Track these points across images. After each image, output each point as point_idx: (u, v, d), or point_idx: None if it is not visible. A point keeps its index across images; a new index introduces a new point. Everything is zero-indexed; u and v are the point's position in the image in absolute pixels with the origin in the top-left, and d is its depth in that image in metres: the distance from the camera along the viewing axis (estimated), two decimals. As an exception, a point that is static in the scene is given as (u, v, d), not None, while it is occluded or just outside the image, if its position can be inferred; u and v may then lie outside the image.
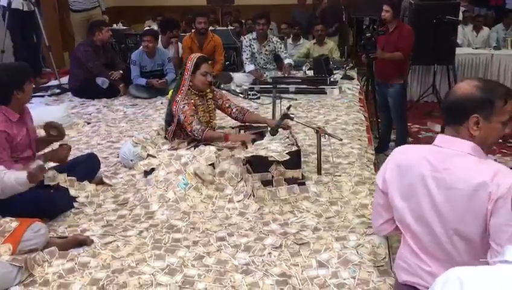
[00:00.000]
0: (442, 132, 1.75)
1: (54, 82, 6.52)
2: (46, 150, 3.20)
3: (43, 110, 4.40)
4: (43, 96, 5.75)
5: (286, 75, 6.09)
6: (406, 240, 1.78)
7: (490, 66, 7.60)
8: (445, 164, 1.62)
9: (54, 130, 3.09)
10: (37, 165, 2.55)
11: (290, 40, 7.87)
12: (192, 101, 3.39)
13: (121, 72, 5.85)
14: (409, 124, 5.68)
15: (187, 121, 3.30)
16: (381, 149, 5.52)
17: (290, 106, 3.45)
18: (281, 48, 6.45)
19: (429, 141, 5.97)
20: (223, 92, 3.81)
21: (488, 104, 1.59)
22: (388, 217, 1.91)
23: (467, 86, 1.63)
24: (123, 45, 7.31)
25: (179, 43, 6.55)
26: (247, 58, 6.30)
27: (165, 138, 3.58)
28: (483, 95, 1.60)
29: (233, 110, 3.62)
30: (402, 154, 1.79)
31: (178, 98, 3.39)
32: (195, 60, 3.42)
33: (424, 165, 1.67)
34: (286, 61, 6.33)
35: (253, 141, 3.24)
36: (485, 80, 1.68)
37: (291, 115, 3.33)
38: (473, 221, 1.56)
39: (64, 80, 6.34)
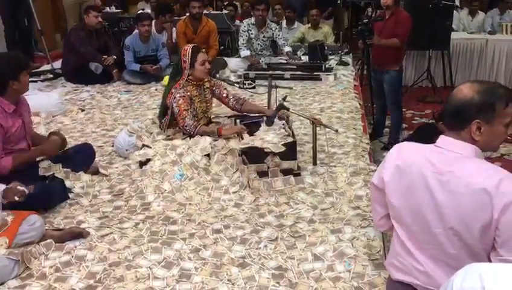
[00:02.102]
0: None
1: (46, 66, 6.45)
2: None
3: (36, 98, 4.35)
4: (35, 81, 5.69)
5: (291, 61, 6.04)
6: (400, 239, 1.78)
7: (485, 51, 7.59)
8: (449, 166, 1.61)
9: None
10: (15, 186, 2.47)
11: (284, 24, 7.80)
12: (189, 93, 3.37)
13: (115, 57, 5.79)
14: (403, 109, 5.69)
15: (180, 115, 3.29)
16: (376, 135, 5.54)
17: (286, 96, 3.44)
18: (279, 35, 6.39)
19: (424, 127, 5.99)
20: (219, 81, 3.77)
21: (489, 108, 1.57)
22: (384, 213, 1.91)
23: (466, 90, 1.61)
24: (116, 28, 7.21)
25: (173, 28, 6.48)
26: (243, 44, 6.24)
27: (160, 128, 3.56)
28: (483, 99, 1.58)
29: (231, 100, 3.60)
30: (402, 154, 1.77)
31: (173, 90, 3.37)
32: (190, 52, 3.38)
33: (426, 165, 1.66)
34: (286, 48, 6.28)
35: (250, 133, 3.23)
36: (485, 82, 1.66)
37: (287, 106, 3.32)
38: (474, 225, 1.56)
39: (57, 64, 6.27)
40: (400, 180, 1.74)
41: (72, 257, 2.34)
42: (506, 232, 1.53)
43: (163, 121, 3.49)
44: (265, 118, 3.35)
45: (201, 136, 3.25)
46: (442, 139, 1.68)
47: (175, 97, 3.32)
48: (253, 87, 5.05)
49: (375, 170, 3.18)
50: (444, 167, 1.62)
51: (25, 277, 2.21)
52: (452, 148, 1.63)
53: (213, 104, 3.73)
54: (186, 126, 3.29)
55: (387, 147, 5.25)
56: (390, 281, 1.87)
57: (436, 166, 1.64)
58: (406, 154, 1.76)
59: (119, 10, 8.14)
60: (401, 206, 1.75)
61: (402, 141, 5.22)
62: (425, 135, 1.76)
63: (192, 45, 3.55)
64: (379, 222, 1.98)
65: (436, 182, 1.63)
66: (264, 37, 6.38)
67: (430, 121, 5.46)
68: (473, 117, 1.59)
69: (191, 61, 3.36)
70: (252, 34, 6.32)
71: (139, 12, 6.87)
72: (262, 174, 3.02)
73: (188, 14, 6.41)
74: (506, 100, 1.58)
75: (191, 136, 3.30)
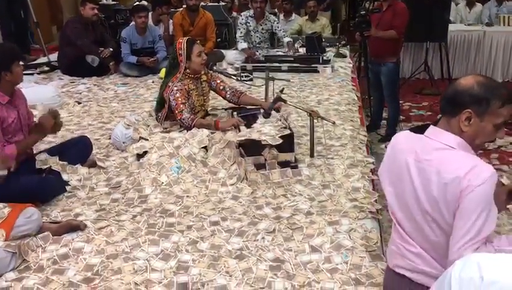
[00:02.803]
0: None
1: (42, 59, 6.42)
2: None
3: (33, 90, 4.33)
4: (32, 74, 5.66)
5: (291, 53, 6.02)
6: (395, 226, 1.82)
7: (482, 43, 7.59)
8: (427, 154, 1.64)
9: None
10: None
11: (281, 16, 7.77)
12: (186, 86, 3.36)
13: (111, 49, 5.76)
14: (400, 101, 5.70)
15: (177, 108, 3.28)
16: (373, 128, 5.54)
17: (283, 88, 3.43)
18: (278, 26, 6.37)
19: (420, 119, 6.02)
20: (216, 74, 3.76)
21: (484, 101, 1.57)
22: None
23: (471, 79, 1.62)
24: (112, 20, 7.16)
25: (170, 20, 6.45)
26: (240, 36, 6.22)
27: (156, 120, 3.55)
28: (482, 91, 1.58)
29: (228, 92, 3.59)
30: (396, 142, 1.81)
31: (170, 84, 3.36)
32: (185, 44, 3.36)
33: (410, 154, 1.69)
34: (286, 39, 6.26)
35: (247, 125, 3.22)
36: (491, 79, 1.66)
37: (284, 98, 3.32)
38: (446, 213, 1.59)
39: (53, 56, 6.24)
40: (391, 168, 1.79)
41: (70, 249, 2.34)
42: (461, 214, 1.54)
43: (159, 114, 3.48)
44: (262, 111, 3.34)
45: (198, 128, 3.24)
46: (431, 129, 1.70)
47: (172, 90, 3.31)
48: (251, 80, 5.04)
49: (373, 162, 3.22)
50: (423, 155, 1.65)
51: (23, 270, 2.21)
52: (438, 138, 1.65)
53: (210, 97, 3.73)
54: (183, 119, 3.28)
55: (384, 139, 5.27)
56: (388, 271, 1.88)
57: (417, 154, 1.67)
58: (399, 142, 1.79)
59: (115, 2, 8.08)
60: (391, 193, 1.79)
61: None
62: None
63: (187, 37, 3.54)
64: None
65: (415, 169, 1.66)
66: (262, 29, 6.36)
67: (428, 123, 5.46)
68: (466, 105, 1.59)
69: (187, 54, 3.35)
70: (250, 26, 6.29)
71: (135, 4, 6.83)
72: (259, 166, 3.02)
73: (184, 6, 6.37)
74: (503, 100, 1.58)
75: (188, 129, 3.29)
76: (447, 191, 1.56)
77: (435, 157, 1.62)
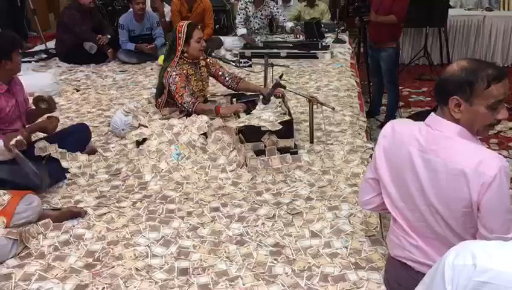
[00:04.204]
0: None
1: (40, 47, 6.39)
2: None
3: (31, 78, 4.31)
4: (29, 61, 5.63)
5: (298, 37, 5.97)
6: (393, 217, 1.80)
7: (482, 28, 7.54)
8: (432, 144, 1.61)
9: (44, 103, 3.04)
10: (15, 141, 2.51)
11: (280, 1, 7.72)
12: (185, 71, 3.34)
13: (109, 36, 5.72)
14: (400, 87, 5.68)
15: (178, 92, 3.26)
16: (373, 113, 5.54)
17: (282, 74, 3.42)
18: (278, 11, 6.32)
19: (419, 105, 6.02)
20: (215, 60, 3.74)
21: (467, 86, 1.54)
22: (379, 191, 1.90)
23: (456, 66, 1.60)
24: (110, 7, 7.11)
25: (166, 6, 6.40)
26: (240, 22, 6.18)
27: (156, 107, 3.54)
28: (464, 76, 1.55)
29: (226, 79, 3.58)
30: (394, 131, 1.77)
31: (169, 69, 3.34)
32: (185, 28, 3.34)
33: (412, 143, 1.66)
34: (289, 24, 6.21)
35: (246, 111, 3.22)
36: (475, 62, 1.60)
37: (283, 84, 3.31)
38: (455, 206, 1.58)
39: (51, 44, 6.21)
40: (390, 158, 1.75)
41: (71, 236, 2.35)
42: (487, 213, 1.54)
43: (159, 100, 3.47)
44: (261, 97, 3.34)
45: (198, 114, 3.24)
46: (431, 118, 1.67)
47: (171, 76, 3.30)
48: (250, 66, 5.02)
49: (372, 148, 3.22)
50: (428, 145, 1.62)
51: (24, 256, 2.22)
52: (438, 127, 1.62)
53: (209, 83, 3.71)
54: (184, 103, 3.26)
55: (384, 125, 5.26)
56: (390, 258, 1.88)
57: (421, 144, 1.64)
58: (398, 132, 1.75)
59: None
60: (391, 184, 1.76)
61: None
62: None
63: (189, 21, 3.51)
64: (370, 199, 1.93)
65: (420, 160, 1.64)
66: (261, 15, 6.31)
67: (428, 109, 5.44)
68: (451, 93, 1.57)
69: (186, 37, 3.32)
70: (249, 12, 6.24)
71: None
72: (259, 152, 3.02)
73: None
74: (488, 81, 1.53)
75: (187, 115, 3.28)
76: (456, 182, 1.54)
77: (441, 147, 1.59)
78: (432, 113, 1.69)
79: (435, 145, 1.60)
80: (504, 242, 1.07)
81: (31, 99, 3.16)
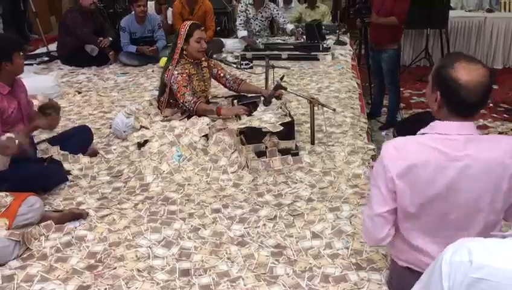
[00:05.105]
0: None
1: (42, 49, 6.41)
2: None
3: (32, 80, 4.31)
4: (31, 64, 5.65)
5: (299, 40, 5.98)
6: (405, 236, 1.74)
7: (483, 29, 7.54)
8: (463, 150, 1.58)
9: (50, 110, 3.03)
10: (6, 137, 2.51)
11: (281, 4, 7.74)
12: (187, 70, 3.36)
13: (110, 39, 5.74)
14: (401, 88, 5.68)
15: (180, 91, 3.27)
16: (374, 115, 5.54)
17: (283, 76, 3.43)
18: (278, 13, 6.34)
19: (420, 106, 6.02)
20: (217, 61, 3.75)
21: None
22: (394, 221, 1.75)
23: None
24: (111, 10, 7.14)
25: (169, 9, 6.42)
26: (240, 24, 6.19)
27: (158, 107, 3.55)
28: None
29: (228, 80, 3.59)
30: (407, 156, 1.64)
31: (171, 67, 3.35)
32: (187, 27, 3.36)
33: (439, 157, 1.60)
34: (289, 26, 6.23)
35: (248, 115, 3.22)
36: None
37: (284, 86, 3.32)
38: (497, 199, 1.61)
39: (52, 46, 6.23)
40: (414, 180, 1.63)
41: (73, 237, 2.36)
42: None
43: (161, 98, 3.49)
44: (262, 98, 3.34)
45: (199, 116, 3.25)
46: (440, 126, 1.63)
47: (173, 74, 3.31)
48: (251, 68, 5.03)
49: (373, 149, 3.23)
50: (459, 152, 1.58)
51: (26, 258, 2.23)
52: (456, 131, 1.60)
53: (211, 84, 3.72)
54: (186, 102, 3.27)
55: (384, 127, 5.27)
56: (397, 267, 1.84)
57: (449, 154, 1.59)
58: (410, 154, 1.64)
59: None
60: (416, 202, 1.65)
61: (400, 121, 5.25)
62: (425, 121, 1.69)
63: (193, 21, 3.53)
64: (388, 233, 1.75)
65: (454, 170, 1.59)
66: (262, 17, 6.33)
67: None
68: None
69: (186, 36, 3.33)
70: (249, 14, 6.26)
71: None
72: (260, 154, 3.03)
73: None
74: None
75: (189, 116, 3.29)
76: (498, 175, 1.58)
77: (474, 150, 1.58)
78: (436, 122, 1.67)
79: (467, 150, 1.59)
80: (501, 239, 1.08)
81: (34, 102, 3.17)
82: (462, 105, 1.59)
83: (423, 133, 1.67)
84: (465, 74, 1.56)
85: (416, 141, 1.66)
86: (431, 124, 1.66)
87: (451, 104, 1.60)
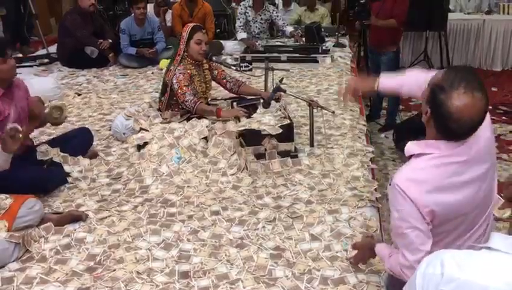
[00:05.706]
0: None
1: (42, 51, 6.41)
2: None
3: (32, 82, 4.32)
4: (31, 66, 5.66)
5: (298, 42, 5.99)
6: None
7: (482, 32, 7.57)
8: (472, 160, 1.58)
9: (57, 113, 3.03)
10: (9, 127, 2.47)
11: (280, 6, 7.75)
12: (189, 71, 3.38)
13: (110, 41, 5.75)
14: (400, 91, 5.68)
15: (181, 90, 3.30)
16: (373, 117, 5.55)
17: (283, 78, 3.44)
18: (277, 16, 6.35)
19: (420, 108, 6.02)
20: (217, 64, 3.77)
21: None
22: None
23: None
24: (111, 12, 7.15)
25: (169, 11, 6.43)
26: (240, 26, 6.20)
27: (158, 109, 3.56)
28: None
29: (228, 82, 3.62)
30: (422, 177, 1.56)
31: (172, 67, 3.38)
32: (189, 29, 3.40)
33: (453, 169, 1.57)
34: (288, 29, 6.24)
35: (247, 117, 3.23)
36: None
37: (283, 88, 3.33)
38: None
39: (52, 48, 6.24)
40: (452, 202, 1.58)
41: (72, 239, 2.36)
42: None
43: (162, 99, 3.50)
44: (262, 101, 3.36)
45: (198, 117, 3.25)
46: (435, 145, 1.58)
47: (175, 74, 3.34)
48: (250, 70, 5.04)
49: (372, 151, 3.24)
50: (473, 163, 1.60)
51: (26, 260, 2.23)
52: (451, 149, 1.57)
53: (212, 85, 3.74)
54: (186, 101, 3.29)
55: (384, 129, 5.28)
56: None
57: (466, 173, 1.58)
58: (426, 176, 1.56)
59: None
60: (451, 217, 1.62)
61: (399, 124, 5.25)
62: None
63: (195, 23, 3.57)
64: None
65: (478, 182, 1.62)
66: (261, 19, 6.34)
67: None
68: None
69: (187, 38, 3.37)
70: (249, 16, 6.27)
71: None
72: (259, 156, 3.03)
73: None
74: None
75: (188, 119, 3.30)
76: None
77: (477, 152, 1.59)
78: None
79: (477, 158, 1.61)
80: (473, 251, 1.08)
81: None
82: (450, 133, 1.52)
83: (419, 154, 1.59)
84: (461, 106, 1.43)
85: (424, 164, 1.57)
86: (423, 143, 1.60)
87: (440, 127, 1.53)
